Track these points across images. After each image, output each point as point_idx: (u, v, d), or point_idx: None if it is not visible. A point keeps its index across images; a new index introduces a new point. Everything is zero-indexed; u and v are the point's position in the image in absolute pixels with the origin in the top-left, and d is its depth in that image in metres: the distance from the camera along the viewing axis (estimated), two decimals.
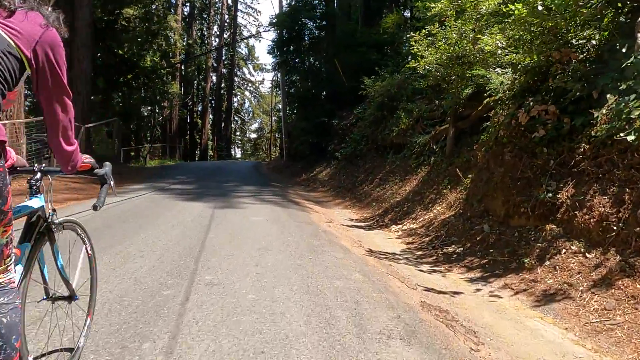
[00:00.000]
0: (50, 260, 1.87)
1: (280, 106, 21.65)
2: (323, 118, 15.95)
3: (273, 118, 50.18)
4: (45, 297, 1.88)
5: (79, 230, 2.09)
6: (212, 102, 47.21)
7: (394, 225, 7.42)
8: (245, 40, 51.31)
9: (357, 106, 15.96)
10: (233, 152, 56.02)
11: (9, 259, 1.37)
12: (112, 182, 1.86)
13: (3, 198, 1.27)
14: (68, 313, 2.05)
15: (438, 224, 6.37)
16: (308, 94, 16.61)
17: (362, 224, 8.03)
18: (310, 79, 16.85)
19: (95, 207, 1.79)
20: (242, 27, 50.55)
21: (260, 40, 65.57)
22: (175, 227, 5.71)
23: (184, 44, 39.46)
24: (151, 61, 20.31)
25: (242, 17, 50.84)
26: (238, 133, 57.12)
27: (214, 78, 46.85)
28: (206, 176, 14.58)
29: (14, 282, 1.40)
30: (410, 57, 13.28)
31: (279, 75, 21.42)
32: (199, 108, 48.98)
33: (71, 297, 1.99)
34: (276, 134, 55.20)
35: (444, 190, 7.55)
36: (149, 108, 25.72)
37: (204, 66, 46.30)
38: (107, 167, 1.87)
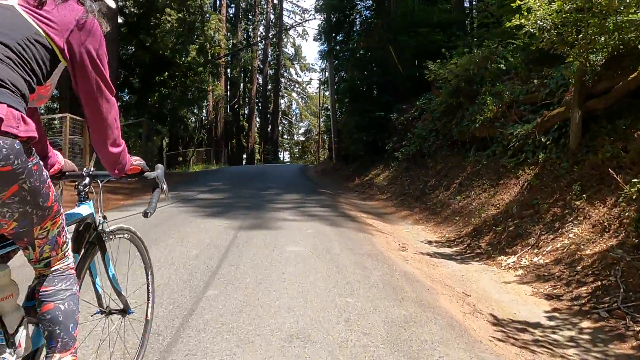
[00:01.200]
0: (102, 271, 1.73)
1: (329, 104, 19.37)
2: (379, 112, 13.54)
3: (321, 119, 48.34)
4: (98, 310, 1.78)
5: (134, 238, 1.96)
6: (259, 104, 45.91)
7: (502, 256, 4.91)
8: (291, 40, 49.82)
9: (419, 97, 13.47)
10: (281, 156, 54.61)
11: (65, 246, 1.35)
12: (165, 186, 1.70)
13: (44, 195, 1.21)
14: (121, 328, 1.91)
15: (594, 261, 3.82)
16: (360, 86, 14.25)
17: (450, 251, 5.59)
18: (362, 69, 14.47)
19: (145, 214, 1.62)
20: (288, 26, 49.05)
21: (307, 39, 63.67)
22: (163, 268, 3.57)
23: (229, 44, 38.25)
24: (191, 59, 18.72)
25: (288, 16, 49.40)
26: (286, 136, 55.68)
27: (260, 80, 45.52)
28: (244, 182, 12.58)
29: (72, 268, 1.38)
30: (489, 26, 10.83)
31: (327, 67, 19.18)
32: (246, 111, 47.93)
33: (125, 311, 1.86)
34: (324, 135, 53.30)
35: (577, 202, 4.95)
36: (190, 109, 24.21)
37: (249, 67, 45.15)
38: (159, 169, 1.71)
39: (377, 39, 14.24)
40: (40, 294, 1.30)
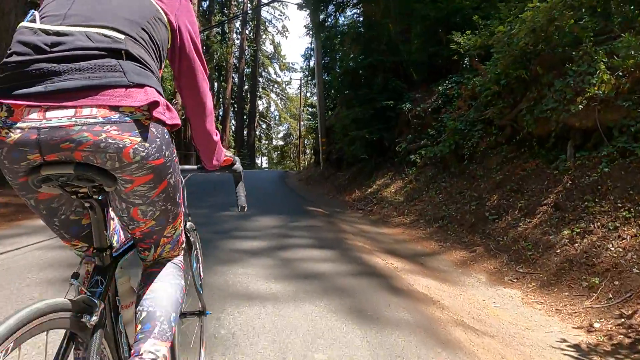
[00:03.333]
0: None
1: (316, 95, 15.76)
2: (386, 102, 10.07)
3: (303, 121, 44.84)
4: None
5: (195, 238, 1.85)
6: (234, 105, 42.06)
7: None
8: (270, 37, 46.25)
9: (439, 82, 10.11)
10: (258, 161, 50.75)
11: (182, 245, 1.32)
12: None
13: (179, 191, 1.15)
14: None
15: None
16: (360, 68, 10.75)
17: None
18: (364, 46, 10.95)
19: (242, 208, 1.63)
20: (266, 23, 45.50)
21: (287, 36, 59.96)
22: None
23: (201, 36, 34.39)
24: None
25: (267, 12, 45.82)
26: (264, 140, 51.88)
27: (236, 79, 41.72)
28: (201, 195, 8.88)
29: (182, 265, 1.31)
30: None
31: (313, 49, 15.60)
32: (220, 112, 44.00)
33: (202, 312, 1.80)
34: (305, 140, 49.73)
35: None
36: None
37: (224, 64, 41.35)
38: (238, 161, 1.61)
39: (382, 6, 10.77)
40: (149, 271, 1.20)
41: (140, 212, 1.07)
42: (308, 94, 42.85)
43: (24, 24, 0.97)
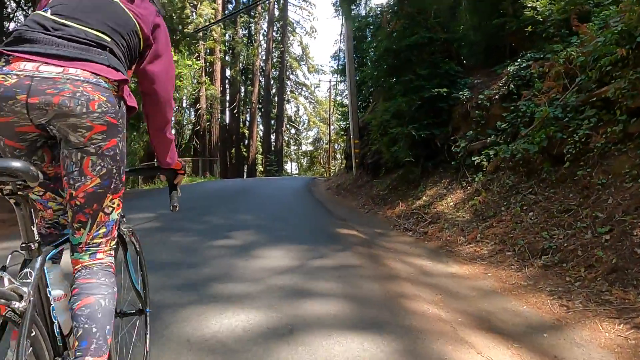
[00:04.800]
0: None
1: (347, 89, 13.59)
2: (437, 90, 7.84)
3: (332, 123, 42.75)
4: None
5: (134, 239, 1.87)
6: (261, 109, 40.43)
7: None
8: (298, 39, 44.52)
9: (507, 62, 7.87)
10: (287, 167, 48.96)
11: (113, 242, 1.36)
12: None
13: (124, 166, 1.32)
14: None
15: None
16: (401, 49, 8.50)
17: None
18: (405, 21, 8.71)
19: (174, 207, 1.68)
20: (294, 24, 43.83)
21: (315, 37, 58.28)
22: None
23: (224, 33, 32.95)
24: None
25: (295, 12, 44.19)
26: (293, 145, 50.09)
27: (263, 82, 40.09)
28: (195, 215, 6.87)
29: (114, 268, 1.35)
30: None
31: (343, 31, 13.43)
32: (247, 117, 42.53)
33: (142, 311, 1.83)
34: (337, 142, 47.58)
35: None
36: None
37: (250, 67, 39.84)
38: (184, 170, 1.76)
39: None
40: (81, 286, 1.24)
41: (91, 164, 1.22)
42: (338, 97, 40.76)
43: (37, 12, 1.31)
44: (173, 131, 1.46)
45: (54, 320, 1.22)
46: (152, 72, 1.45)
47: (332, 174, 32.00)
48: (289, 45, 42.92)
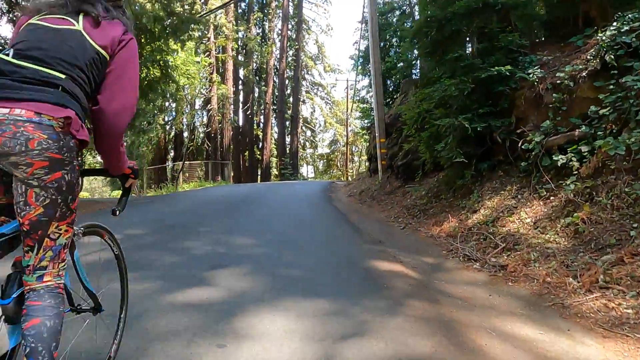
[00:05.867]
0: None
1: (372, 80, 11.65)
2: (497, 69, 5.92)
3: (349, 128, 40.80)
4: (69, 308, 1.67)
5: (106, 236, 1.94)
6: (276, 111, 38.72)
7: None
8: (314, 37, 42.77)
9: (586, 32, 5.98)
10: (303, 170, 47.12)
11: (63, 264, 1.44)
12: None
13: (73, 195, 1.38)
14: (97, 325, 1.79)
15: None
16: (447, 18, 6.53)
17: None
18: None
19: (115, 212, 1.72)
20: (309, 21, 42.10)
21: (331, 35, 56.28)
22: None
23: (236, 29, 31.37)
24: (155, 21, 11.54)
25: (310, 9, 42.52)
26: (308, 148, 48.25)
27: (277, 82, 38.39)
28: (175, 237, 5.06)
29: (62, 288, 1.43)
30: None
31: (365, 4, 11.47)
32: (261, 119, 40.87)
33: (96, 309, 1.82)
34: (353, 147, 45.61)
35: None
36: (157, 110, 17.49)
37: (264, 67, 38.21)
38: (136, 175, 1.76)
39: None
40: (28, 308, 1.33)
41: (35, 195, 1.30)
42: (357, 96, 38.79)
43: (0, 55, 1.38)
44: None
45: None
46: (110, 86, 1.50)
47: (351, 178, 30.08)
48: (304, 43, 41.21)
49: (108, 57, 1.47)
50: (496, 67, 6.01)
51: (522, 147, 5.68)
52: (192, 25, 11.80)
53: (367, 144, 14.72)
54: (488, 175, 6.48)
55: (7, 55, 1.36)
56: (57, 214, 1.33)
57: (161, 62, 12.08)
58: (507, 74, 5.98)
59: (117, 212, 1.70)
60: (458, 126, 6.14)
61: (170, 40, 12.17)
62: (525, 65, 6.33)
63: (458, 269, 4.22)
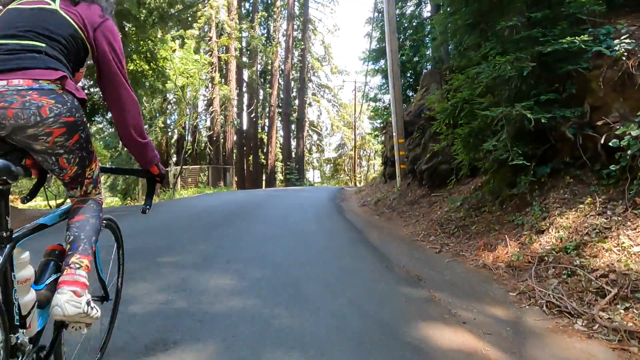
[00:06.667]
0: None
1: (389, 71, 10.07)
2: (567, 40, 4.41)
3: (357, 131, 39.25)
4: None
5: (116, 230, 2.08)
6: (281, 113, 37.26)
7: None
8: (320, 38, 41.35)
9: None
10: (310, 175, 45.55)
11: (100, 184, 1.64)
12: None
13: (90, 142, 1.49)
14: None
15: None
16: None
17: None
18: None
19: (144, 211, 1.82)
20: (316, 21, 40.72)
21: (338, 36, 54.57)
22: None
23: (241, 34, 30.02)
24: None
25: (316, 9, 41.10)
26: (315, 152, 46.72)
27: (283, 84, 36.97)
28: (154, 260, 3.58)
29: (102, 201, 1.65)
30: None
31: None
32: (266, 122, 39.44)
33: (104, 298, 1.93)
34: (361, 152, 44.06)
35: None
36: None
37: (268, 68, 36.81)
38: (163, 175, 1.88)
39: None
40: (76, 206, 1.55)
41: (65, 160, 1.42)
42: (370, 86, 37.20)
43: None
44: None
45: (14, 302, 1.27)
46: (103, 84, 1.57)
47: (359, 183, 28.48)
48: (310, 44, 39.81)
49: (86, 40, 1.50)
50: (567, 38, 4.48)
51: (608, 144, 4.15)
52: (183, 9, 10.36)
53: (382, 145, 13.12)
54: (551, 183, 4.94)
55: None
56: (86, 162, 1.49)
57: (148, 53, 10.63)
58: (583, 46, 4.45)
59: (147, 210, 1.81)
60: (515, 118, 4.61)
61: (159, 29, 10.74)
62: (600, 38, 4.80)
63: (551, 332, 2.68)
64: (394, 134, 9.67)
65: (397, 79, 9.58)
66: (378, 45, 14.88)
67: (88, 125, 1.45)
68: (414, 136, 9.01)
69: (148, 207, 1.79)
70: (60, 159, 1.38)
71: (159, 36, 11.17)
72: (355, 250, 4.98)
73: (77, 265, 1.37)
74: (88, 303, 1.37)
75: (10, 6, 1.49)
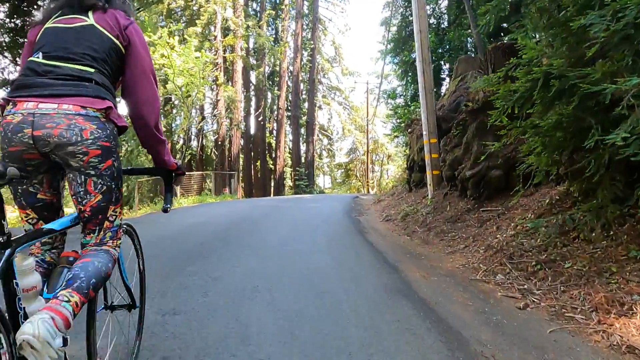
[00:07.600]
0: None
1: (420, 86, 8.23)
2: None
3: (369, 135, 37.46)
4: (103, 306, 1.82)
5: (135, 237, 2.05)
6: (290, 117, 35.60)
7: None
8: (331, 38, 39.73)
9: None
10: (320, 181, 43.76)
11: (119, 241, 1.63)
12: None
13: (121, 180, 1.57)
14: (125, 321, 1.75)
15: None
16: None
17: None
18: None
19: (166, 210, 1.82)
20: (325, 21, 39.09)
21: (349, 36, 52.66)
22: None
23: (246, 32, 28.44)
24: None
25: (326, 8, 39.42)
26: (325, 157, 44.92)
27: (292, 86, 35.33)
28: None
29: (116, 257, 1.59)
30: None
31: None
32: (274, 125, 37.78)
33: (131, 306, 1.94)
34: (374, 156, 42.22)
35: None
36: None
37: (277, 69, 35.20)
38: (181, 171, 1.92)
39: None
40: (83, 255, 1.50)
41: (93, 184, 1.47)
42: (385, 86, 35.34)
43: (32, 58, 1.52)
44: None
45: (19, 311, 1.23)
46: (131, 78, 1.65)
47: (374, 190, 26.63)
48: (320, 45, 38.18)
49: (121, 46, 1.60)
50: None
51: None
52: None
53: (407, 146, 11.22)
54: None
55: (38, 57, 1.51)
56: (112, 199, 1.52)
57: None
58: None
59: (168, 209, 1.80)
60: None
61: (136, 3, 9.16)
62: None
63: None
64: (424, 132, 7.87)
65: (427, 64, 7.77)
66: (397, 35, 13.08)
67: (120, 162, 1.55)
68: (451, 135, 7.20)
69: (169, 206, 1.79)
70: (89, 180, 1.47)
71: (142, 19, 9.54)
72: (392, 303, 3.18)
73: (66, 298, 1.27)
74: (64, 341, 1.19)
75: (48, 25, 1.58)
